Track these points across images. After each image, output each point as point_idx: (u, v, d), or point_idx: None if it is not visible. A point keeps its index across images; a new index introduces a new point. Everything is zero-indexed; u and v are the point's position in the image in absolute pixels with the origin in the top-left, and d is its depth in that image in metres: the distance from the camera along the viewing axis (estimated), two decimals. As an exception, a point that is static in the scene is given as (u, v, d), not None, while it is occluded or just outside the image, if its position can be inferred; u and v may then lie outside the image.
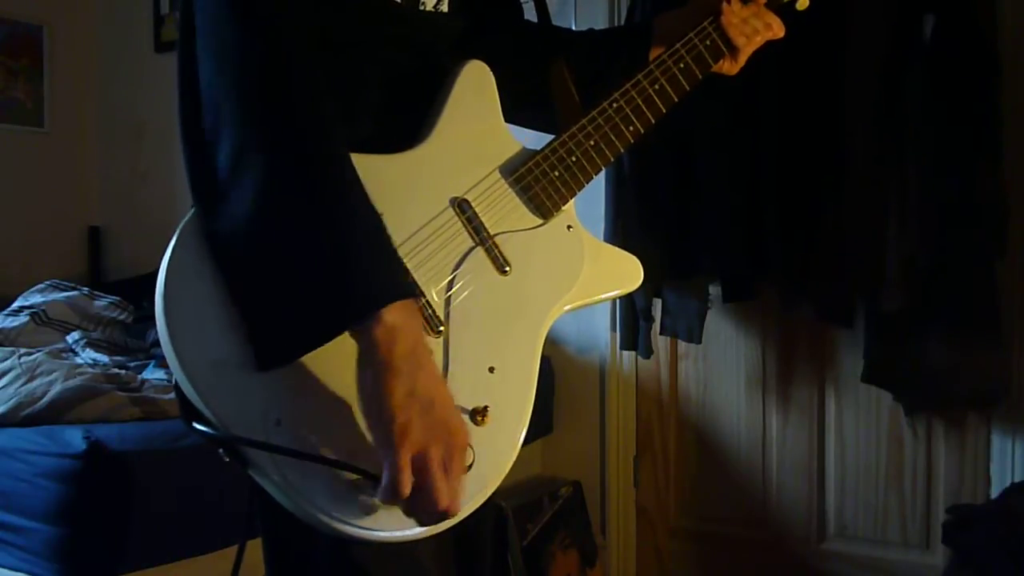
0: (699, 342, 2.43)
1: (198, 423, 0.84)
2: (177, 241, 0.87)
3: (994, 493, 2.18)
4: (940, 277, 2.06)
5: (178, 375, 0.84)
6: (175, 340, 0.83)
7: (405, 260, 0.93)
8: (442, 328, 0.94)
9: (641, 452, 2.71)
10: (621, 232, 2.40)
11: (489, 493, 0.93)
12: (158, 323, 0.84)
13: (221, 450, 0.84)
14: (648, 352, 2.49)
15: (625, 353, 2.63)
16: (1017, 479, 2.15)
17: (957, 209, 2.03)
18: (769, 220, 2.23)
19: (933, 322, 2.09)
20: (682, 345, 2.60)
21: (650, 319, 2.47)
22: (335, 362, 0.87)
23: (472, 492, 0.90)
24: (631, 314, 2.48)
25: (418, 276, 0.93)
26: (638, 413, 2.71)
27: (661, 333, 2.50)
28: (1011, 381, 2.13)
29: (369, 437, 0.83)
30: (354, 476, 0.83)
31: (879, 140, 2.12)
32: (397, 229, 0.93)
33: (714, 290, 2.44)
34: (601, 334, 2.68)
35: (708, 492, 2.62)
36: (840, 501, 2.44)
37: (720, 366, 2.58)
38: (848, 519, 2.43)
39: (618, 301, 2.50)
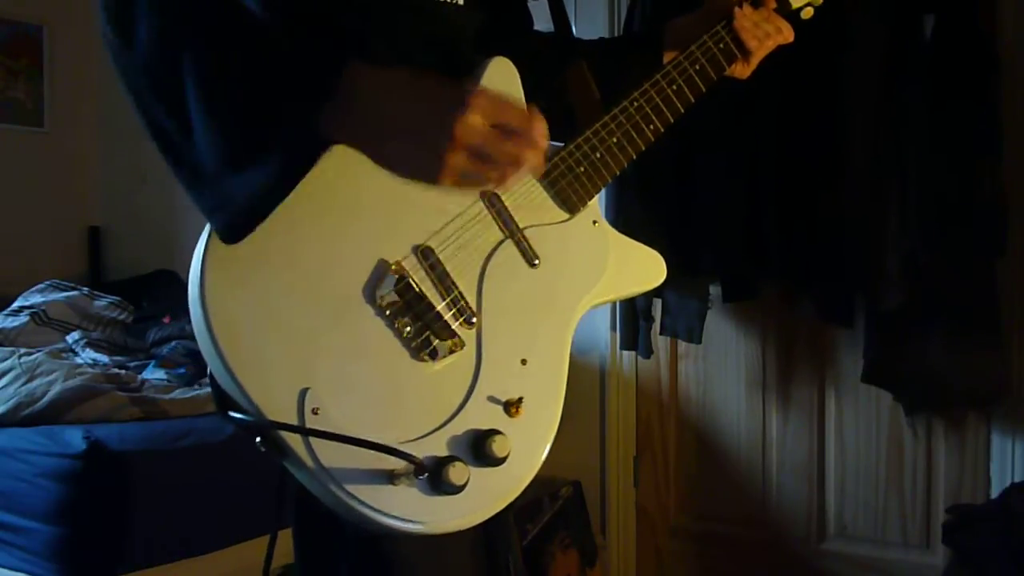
0: (699, 342, 2.43)
1: (234, 412, 0.84)
2: (209, 241, 0.84)
3: (994, 493, 2.18)
4: (940, 276, 2.06)
5: (215, 366, 0.84)
6: (214, 331, 0.82)
7: (438, 251, 0.94)
8: (475, 320, 0.94)
9: (641, 452, 2.71)
10: (621, 231, 2.39)
11: (524, 486, 0.92)
12: (194, 315, 0.84)
13: (258, 439, 0.84)
14: (648, 352, 2.49)
15: (625, 353, 2.63)
16: (1017, 479, 2.15)
17: (956, 208, 2.03)
18: (769, 218, 2.23)
19: (933, 322, 2.09)
20: (682, 345, 2.60)
21: (650, 319, 2.47)
22: (374, 352, 0.87)
23: (508, 487, 0.90)
24: (631, 314, 2.48)
25: (450, 267, 0.94)
26: (638, 413, 2.71)
27: (661, 333, 2.50)
28: (1011, 380, 2.13)
29: (409, 428, 0.83)
30: (393, 466, 0.83)
31: (879, 139, 2.12)
32: (429, 221, 0.94)
33: (714, 290, 2.43)
34: (601, 334, 2.68)
35: (708, 492, 2.62)
36: (840, 501, 2.44)
37: (720, 366, 2.58)
38: (848, 519, 2.43)
39: (618, 301, 2.50)
